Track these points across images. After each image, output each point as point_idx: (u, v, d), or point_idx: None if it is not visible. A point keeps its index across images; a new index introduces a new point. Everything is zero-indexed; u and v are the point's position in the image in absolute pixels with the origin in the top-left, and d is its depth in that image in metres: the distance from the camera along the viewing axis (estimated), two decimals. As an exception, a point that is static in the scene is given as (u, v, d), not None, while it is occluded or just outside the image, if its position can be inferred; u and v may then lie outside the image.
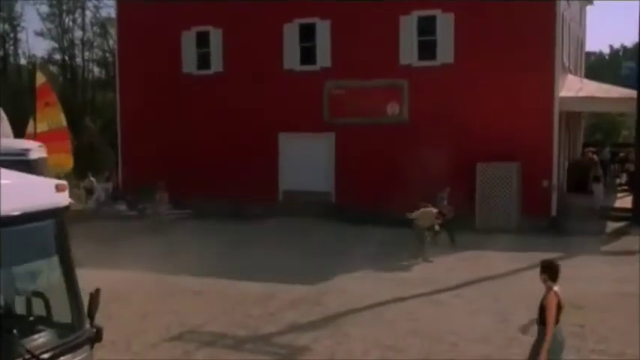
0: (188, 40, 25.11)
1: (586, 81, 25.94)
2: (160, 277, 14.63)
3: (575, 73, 26.61)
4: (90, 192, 28.61)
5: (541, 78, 21.00)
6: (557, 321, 7.49)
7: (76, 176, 34.39)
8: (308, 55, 23.62)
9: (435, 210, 17.33)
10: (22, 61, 56.98)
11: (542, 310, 7.51)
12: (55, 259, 5.49)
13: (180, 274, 14.84)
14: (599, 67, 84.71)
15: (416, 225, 17.07)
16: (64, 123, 34.82)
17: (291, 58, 23.75)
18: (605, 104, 23.20)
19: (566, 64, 23.50)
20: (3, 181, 5.03)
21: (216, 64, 24.80)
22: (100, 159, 38.76)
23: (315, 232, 20.43)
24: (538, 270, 16.39)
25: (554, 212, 21.24)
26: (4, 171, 5.28)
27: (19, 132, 36.14)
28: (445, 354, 10.00)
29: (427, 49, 22.30)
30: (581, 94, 22.19)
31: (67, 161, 34.91)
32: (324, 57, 23.40)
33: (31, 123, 34.74)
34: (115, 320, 11.20)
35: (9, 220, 4.96)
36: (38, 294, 5.63)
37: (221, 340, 10.74)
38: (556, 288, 7.57)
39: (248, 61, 24.01)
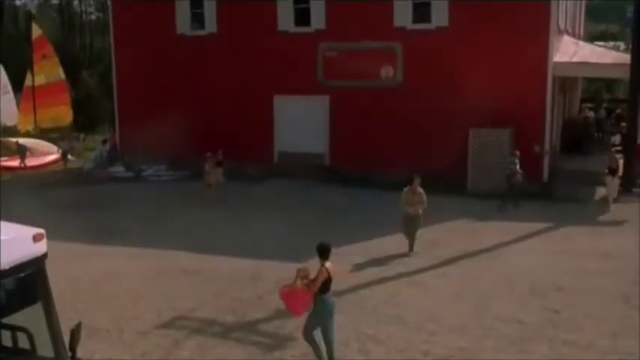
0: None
1: (581, 43, 25.73)
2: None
3: (573, 34, 26.40)
4: (65, 155, 28.09)
5: (536, 43, 20.93)
6: (328, 290, 9.31)
7: (75, 129, 34.61)
8: (302, 16, 23.45)
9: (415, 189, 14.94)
10: (18, 3, 56.47)
11: (314, 281, 9.26)
12: (39, 304, 5.80)
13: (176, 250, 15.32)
14: (604, 8, 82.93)
15: (406, 214, 15.15)
16: (62, 75, 34.93)
17: (286, 20, 23.59)
18: (598, 70, 23.12)
19: (562, 27, 23.33)
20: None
21: (210, 25, 24.62)
22: (98, 112, 38.87)
23: (309, 197, 20.76)
24: (525, 244, 16.65)
25: (545, 178, 21.48)
26: None
27: (17, 84, 36.23)
28: (423, 344, 10.39)
29: (422, 11, 22.15)
30: (575, 58, 22.09)
31: (66, 114, 35.17)
32: (318, 19, 23.24)
33: (28, 76, 34.80)
34: (110, 303, 11.72)
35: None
36: (23, 330, 5.98)
37: (210, 328, 11.16)
38: (327, 264, 9.28)
39: (242, 22, 23.87)
